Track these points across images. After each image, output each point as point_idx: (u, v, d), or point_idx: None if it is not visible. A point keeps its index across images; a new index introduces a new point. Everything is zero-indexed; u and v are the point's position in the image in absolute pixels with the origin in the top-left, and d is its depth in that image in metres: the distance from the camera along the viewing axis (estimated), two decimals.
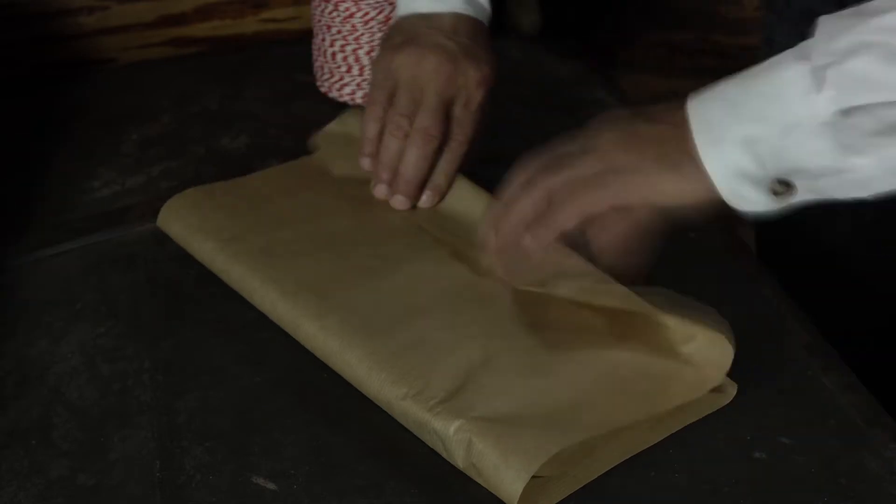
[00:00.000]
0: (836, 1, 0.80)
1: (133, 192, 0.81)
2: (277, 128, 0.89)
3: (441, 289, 0.64)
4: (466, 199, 0.71)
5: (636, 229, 0.58)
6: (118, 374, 0.62)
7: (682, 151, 0.55)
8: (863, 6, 0.52)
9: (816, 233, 0.79)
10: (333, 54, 0.90)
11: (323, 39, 0.90)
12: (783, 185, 0.54)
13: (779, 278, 0.69)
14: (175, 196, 0.73)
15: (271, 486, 0.54)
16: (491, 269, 0.63)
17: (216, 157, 0.86)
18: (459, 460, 0.53)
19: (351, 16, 0.88)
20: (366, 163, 0.73)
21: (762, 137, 0.53)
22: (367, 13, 0.87)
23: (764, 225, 0.76)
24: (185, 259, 0.70)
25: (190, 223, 0.71)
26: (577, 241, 0.59)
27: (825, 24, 0.53)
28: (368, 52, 0.88)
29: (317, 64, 0.93)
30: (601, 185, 0.57)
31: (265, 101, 0.94)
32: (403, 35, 0.75)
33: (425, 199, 0.72)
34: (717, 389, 0.58)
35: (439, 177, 0.72)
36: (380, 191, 0.72)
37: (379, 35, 0.87)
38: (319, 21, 0.90)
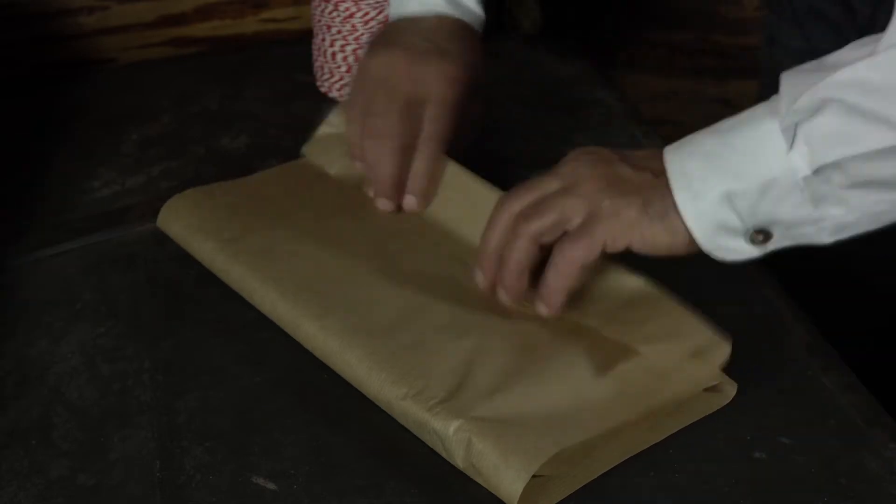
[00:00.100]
0: (838, 1, 0.81)
1: (133, 192, 0.81)
2: (277, 128, 0.89)
3: (441, 289, 0.64)
4: (465, 200, 0.71)
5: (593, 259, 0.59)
6: (118, 374, 0.62)
7: (664, 202, 0.57)
8: (823, 60, 0.54)
9: None
10: (333, 54, 0.90)
11: (323, 39, 0.90)
12: (761, 234, 0.56)
13: (779, 278, 0.69)
14: (175, 196, 0.73)
15: (271, 486, 0.54)
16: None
17: (216, 157, 0.86)
18: (459, 460, 0.53)
19: (351, 16, 0.88)
20: (358, 165, 0.74)
21: (740, 193, 0.55)
22: (367, 13, 0.87)
23: None
24: (185, 259, 0.70)
25: (190, 223, 0.70)
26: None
27: (789, 78, 0.55)
28: None
29: (317, 64, 0.93)
30: (588, 234, 0.58)
31: (265, 101, 0.94)
32: (384, 37, 0.75)
33: (407, 203, 0.71)
34: (716, 389, 0.58)
35: (413, 178, 0.71)
36: (369, 193, 0.73)
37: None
38: (319, 21, 0.90)
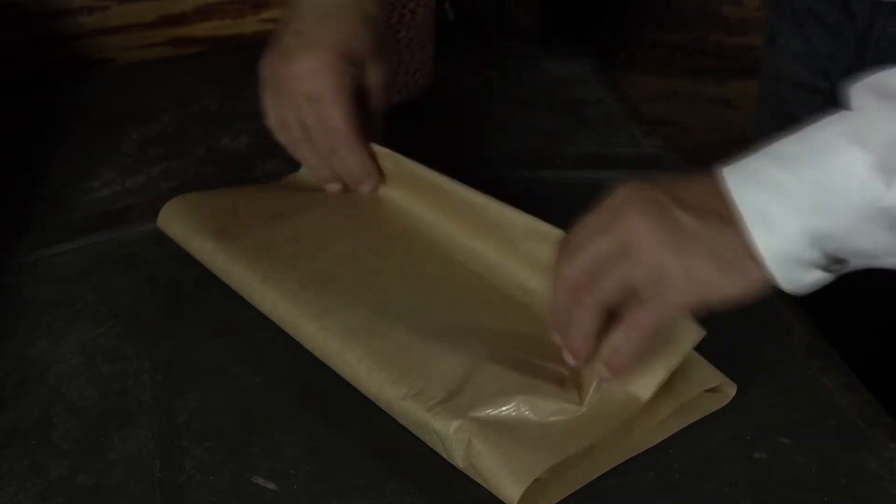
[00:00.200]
0: (838, 5, 0.81)
1: (133, 192, 0.81)
2: None
3: (441, 289, 0.64)
4: (463, 200, 0.71)
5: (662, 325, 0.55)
6: (118, 374, 0.62)
7: (735, 249, 0.52)
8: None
9: None
10: None
11: None
12: (839, 263, 0.52)
13: None
14: (175, 198, 0.73)
15: (271, 486, 0.54)
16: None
17: (216, 157, 0.86)
18: (459, 460, 0.53)
19: None
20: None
21: (830, 233, 0.51)
22: None
23: None
24: (185, 259, 0.70)
25: (190, 223, 0.71)
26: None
27: (868, 101, 0.51)
28: None
29: None
30: (658, 299, 0.53)
31: None
32: (275, 36, 0.76)
33: (361, 189, 0.74)
34: (716, 389, 0.58)
35: (347, 178, 0.74)
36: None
37: None
38: None
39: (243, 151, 0.86)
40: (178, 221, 0.71)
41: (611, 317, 0.55)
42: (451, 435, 0.53)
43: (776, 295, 0.67)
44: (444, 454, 0.54)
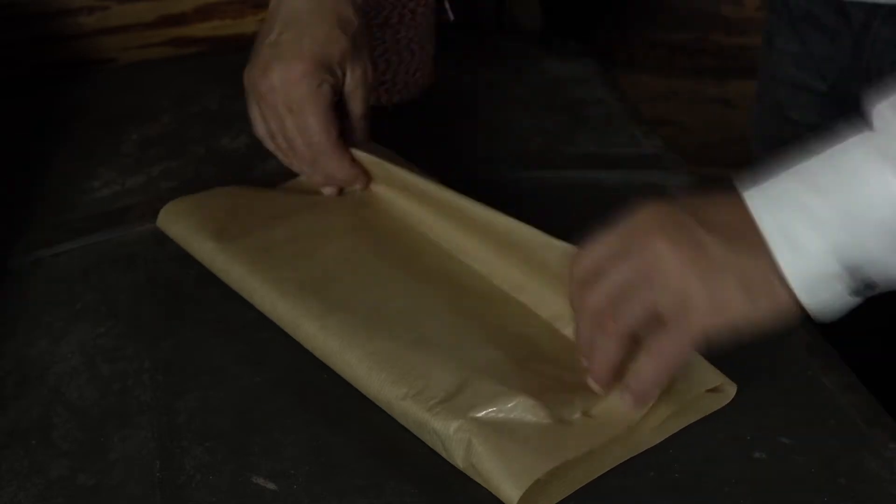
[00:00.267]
0: (834, 7, 0.81)
1: (133, 192, 0.81)
2: None
3: (441, 289, 0.64)
4: (454, 205, 0.70)
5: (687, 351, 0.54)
6: (118, 374, 0.62)
7: (762, 273, 0.51)
8: None
9: None
10: None
11: None
12: (868, 287, 0.51)
13: None
14: (175, 199, 0.73)
15: (271, 486, 0.54)
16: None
17: (216, 157, 0.86)
18: (459, 460, 0.53)
19: None
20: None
21: (866, 260, 0.50)
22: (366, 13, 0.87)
23: None
24: (185, 259, 0.70)
25: (190, 223, 0.71)
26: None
27: (886, 118, 0.50)
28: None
29: None
30: (684, 328, 0.52)
31: None
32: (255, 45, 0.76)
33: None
34: (716, 389, 0.58)
35: (334, 181, 0.74)
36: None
37: (377, 35, 0.87)
38: None
39: (243, 151, 0.86)
40: (178, 222, 0.71)
41: (637, 343, 0.54)
42: (451, 435, 0.53)
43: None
44: (444, 454, 0.54)
